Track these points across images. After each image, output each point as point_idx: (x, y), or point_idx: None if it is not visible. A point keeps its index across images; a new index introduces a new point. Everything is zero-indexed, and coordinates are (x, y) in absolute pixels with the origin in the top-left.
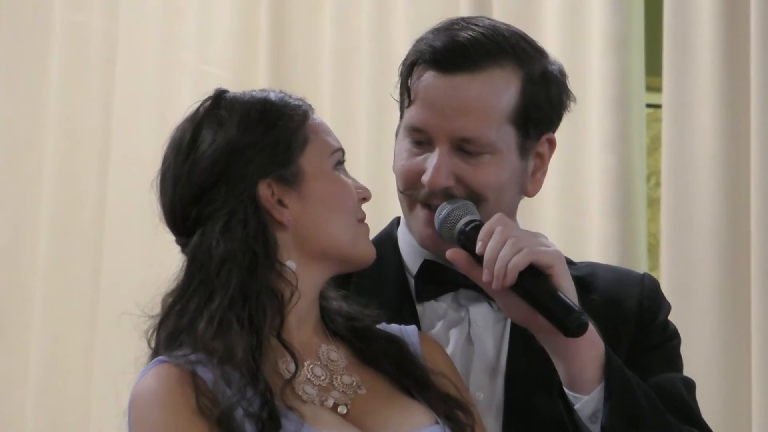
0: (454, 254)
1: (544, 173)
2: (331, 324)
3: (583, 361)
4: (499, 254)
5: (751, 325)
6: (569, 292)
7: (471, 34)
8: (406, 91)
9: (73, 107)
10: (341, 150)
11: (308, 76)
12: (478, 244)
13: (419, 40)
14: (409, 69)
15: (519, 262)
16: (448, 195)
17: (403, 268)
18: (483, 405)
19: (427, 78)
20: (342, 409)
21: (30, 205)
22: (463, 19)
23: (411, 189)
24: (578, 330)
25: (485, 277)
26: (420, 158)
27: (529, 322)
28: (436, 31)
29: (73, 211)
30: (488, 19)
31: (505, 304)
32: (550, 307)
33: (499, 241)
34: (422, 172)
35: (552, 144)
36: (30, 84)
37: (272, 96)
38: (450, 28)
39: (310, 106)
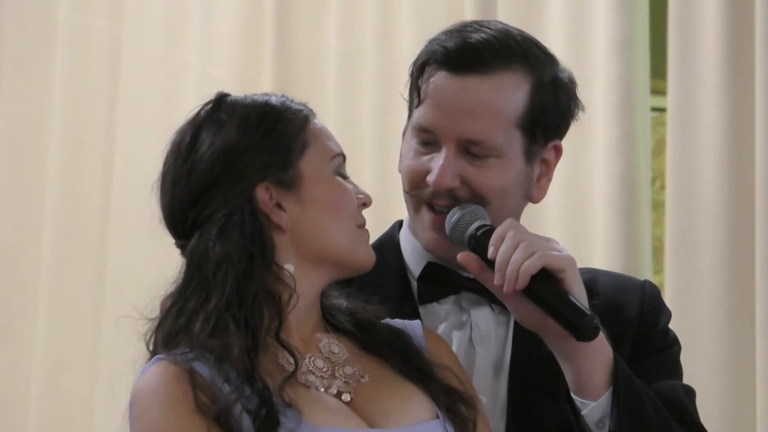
0: (465, 258)
1: (549, 180)
2: (332, 319)
3: (593, 366)
4: (512, 258)
5: (755, 328)
6: (581, 297)
7: (483, 36)
8: (415, 90)
9: (77, 109)
10: (342, 155)
11: (313, 79)
12: (490, 249)
13: (431, 41)
14: (420, 69)
15: (531, 265)
16: (452, 196)
17: (406, 271)
18: (487, 408)
19: (438, 78)
20: (346, 397)
21: (34, 206)
22: (476, 22)
23: (416, 189)
24: (591, 334)
25: (497, 281)
26: (426, 158)
27: (540, 326)
28: (449, 32)
29: (77, 212)
30: (501, 23)
31: (516, 308)
32: (562, 310)
33: (512, 245)
34: (428, 172)
35: (558, 151)
36: (34, 86)
37: (273, 100)
38: (463, 30)
39: (311, 110)
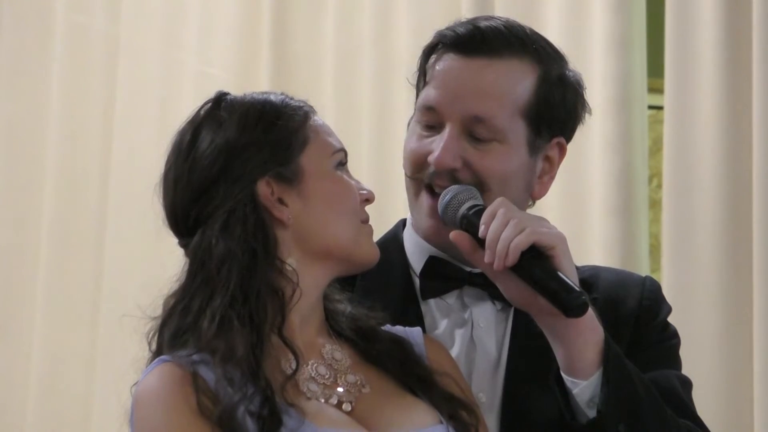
0: (457, 236)
1: (552, 178)
2: (335, 325)
3: (583, 345)
4: (502, 234)
5: (752, 326)
6: (570, 274)
7: (494, 24)
8: (423, 73)
9: (74, 108)
10: (343, 151)
11: (310, 77)
12: (481, 228)
13: (442, 29)
14: (428, 52)
15: (521, 241)
16: (453, 178)
17: (409, 269)
18: (485, 406)
19: (446, 60)
20: (346, 407)
21: (32, 205)
22: (490, 15)
23: (418, 173)
24: (578, 309)
25: (487, 258)
26: (428, 140)
27: (530, 304)
28: (461, 21)
29: (74, 211)
30: (514, 20)
31: (506, 287)
32: (550, 287)
33: (502, 222)
34: (430, 153)
35: (562, 150)
36: (32, 85)
37: (273, 98)
38: (475, 19)
39: (311, 107)
